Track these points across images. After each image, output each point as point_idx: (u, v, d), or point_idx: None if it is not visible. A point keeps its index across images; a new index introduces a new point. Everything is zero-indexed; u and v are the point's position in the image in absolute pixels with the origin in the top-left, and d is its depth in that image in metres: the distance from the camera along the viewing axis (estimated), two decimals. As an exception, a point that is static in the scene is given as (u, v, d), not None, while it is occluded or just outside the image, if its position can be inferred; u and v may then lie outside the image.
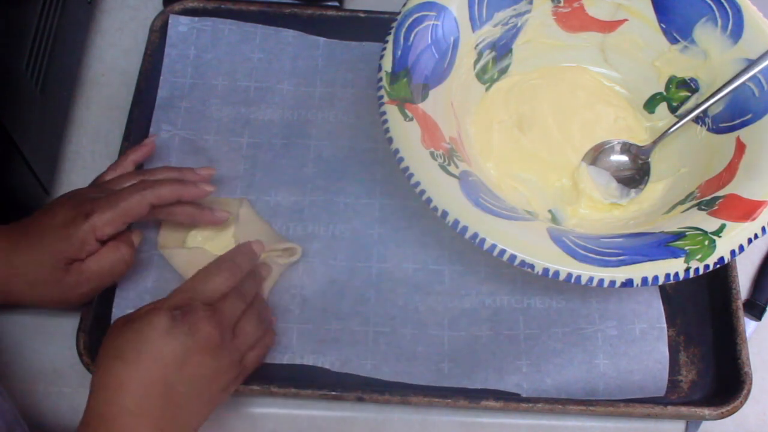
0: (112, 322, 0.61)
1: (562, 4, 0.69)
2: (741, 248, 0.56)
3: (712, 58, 0.66)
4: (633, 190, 0.67)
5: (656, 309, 0.63)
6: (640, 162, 0.67)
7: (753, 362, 0.61)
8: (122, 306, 0.62)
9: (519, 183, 0.67)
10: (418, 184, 0.56)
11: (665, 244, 0.56)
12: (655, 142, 0.67)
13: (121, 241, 0.58)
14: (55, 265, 0.56)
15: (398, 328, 0.62)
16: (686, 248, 0.55)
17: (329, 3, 0.77)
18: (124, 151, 0.67)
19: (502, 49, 0.70)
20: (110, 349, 0.51)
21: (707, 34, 0.66)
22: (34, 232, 0.56)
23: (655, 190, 0.66)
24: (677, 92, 0.69)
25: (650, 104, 0.70)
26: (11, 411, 0.53)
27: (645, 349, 0.61)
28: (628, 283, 0.54)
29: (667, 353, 0.61)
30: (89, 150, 0.71)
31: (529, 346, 0.62)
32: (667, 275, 0.54)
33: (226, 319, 0.54)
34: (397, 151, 0.58)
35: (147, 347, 0.50)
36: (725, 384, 0.61)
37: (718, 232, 0.56)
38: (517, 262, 0.54)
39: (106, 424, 0.48)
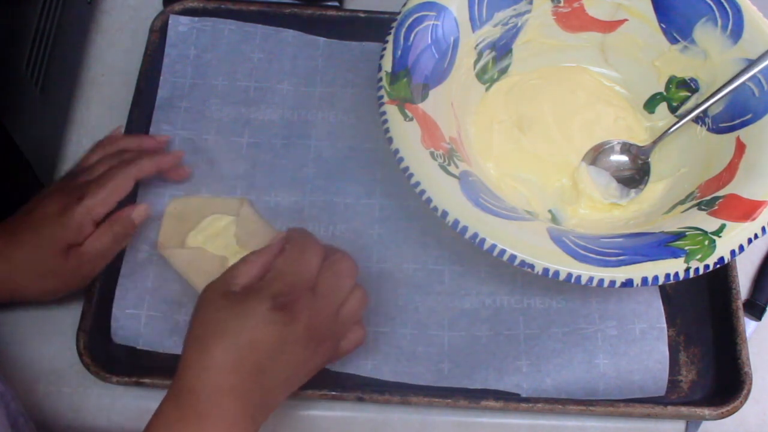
0: (112, 321, 0.61)
1: (562, 4, 0.69)
2: (741, 248, 0.56)
3: (712, 58, 0.66)
4: (633, 190, 0.67)
5: (656, 309, 0.63)
6: (640, 162, 0.67)
7: (753, 362, 0.61)
8: (122, 306, 0.61)
9: (519, 183, 0.67)
10: (418, 184, 0.56)
11: (665, 244, 0.56)
12: (655, 142, 0.67)
13: (113, 220, 0.59)
14: (54, 253, 0.57)
15: (398, 328, 0.62)
16: (686, 248, 0.55)
17: (329, 3, 0.77)
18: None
19: (502, 49, 0.70)
20: (208, 325, 0.50)
21: (707, 34, 0.66)
22: (30, 225, 0.57)
23: (655, 190, 0.66)
24: (677, 92, 0.69)
25: (650, 104, 0.70)
26: (14, 400, 0.53)
27: (645, 349, 0.61)
28: (628, 283, 0.54)
29: (667, 353, 0.61)
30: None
31: (529, 346, 0.62)
32: (667, 275, 0.54)
33: (330, 304, 0.53)
34: (397, 151, 0.58)
35: (247, 332, 0.49)
36: (725, 384, 0.61)
37: (718, 232, 0.56)
38: (517, 262, 0.54)
39: (198, 399, 0.48)
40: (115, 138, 0.66)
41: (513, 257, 0.54)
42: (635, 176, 0.67)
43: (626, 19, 0.69)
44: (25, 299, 0.60)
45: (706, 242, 0.56)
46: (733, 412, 0.60)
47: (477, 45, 0.67)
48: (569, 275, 0.54)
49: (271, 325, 0.50)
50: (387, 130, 0.59)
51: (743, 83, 0.63)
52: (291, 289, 0.51)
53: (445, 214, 0.55)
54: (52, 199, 0.58)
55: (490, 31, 0.67)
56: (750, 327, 0.66)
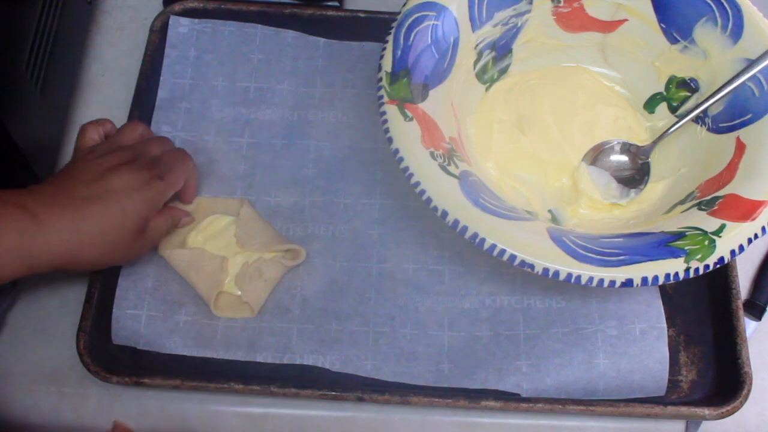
0: (112, 322, 0.61)
1: (562, 4, 0.69)
2: (741, 248, 0.56)
3: (712, 58, 0.66)
4: (633, 190, 0.67)
5: (656, 309, 0.63)
6: (640, 162, 0.67)
7: (753, 362, 0.61)
8: (122, 306, 0.62)
9: (519, 183, 0.67)
10: (418, 184, 0.56)
11: (665, 244, 0.56)
12: (655, 142, 0.67)
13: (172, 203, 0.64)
14: (139, 225, 0.58)
15: (398, 329, 0.62)
16: (686, 248, 0.55)
17: (329, 3, 0.77)
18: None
19: (502, 49, 0.70)
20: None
21: (707, 34, 0.66)
22: (110, 196, 0.57)
23: (655, 190, 0.66)
24: (677, 92, 0.69)
25: (650, 104, 0.70)
26: None
27: (645, 349, 0.61)
28: (628, 283, 0.54)
29: (667, 353, 0.61)
30: (89, 150, 0.71)
31: (529, 346, 0.62)
32: (667, 275, 0.54)
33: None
34: (397, 151, 0.58)
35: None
36: (725, 384, 0.61)
37: (718, 232, 0.56)
38: (517, 262, 0.54)
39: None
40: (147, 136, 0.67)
41: (513, 257, 0.54)
42: (635, 176, 0.67)
43: (626, 19, 0.69)
44: (82, 268, 0.60)
45: (706, 242, 0.56)
46: (733, 412, 0.60)
47: (477, 45, 0.67)
48: (569, 275, 0.54)
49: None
50: (387, 130, 0.59)
51: (743, 83, 0.63)
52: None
53: (445, 214, 0.55)
54: (127, 172, 0.58)
55: (490, 31, 0.67)
56: (750, 327, 0.66)
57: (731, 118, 0.64)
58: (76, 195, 0.56)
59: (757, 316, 0.67)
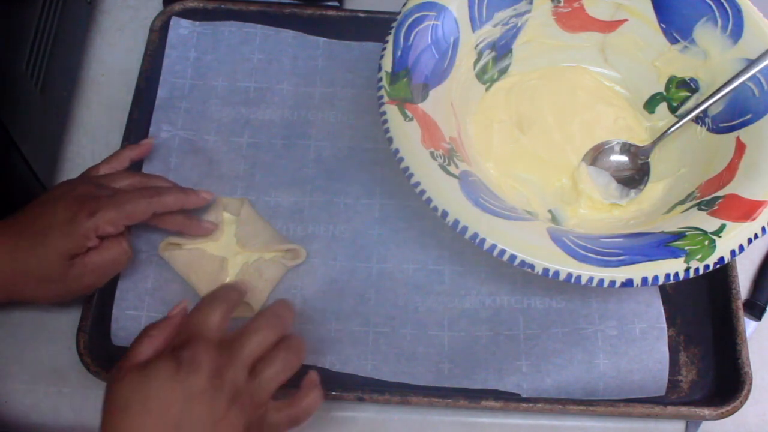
0: (112, 322, 0.61)
1: (562, 4, 0.69)
2: (741, 248, 0.56)
3: (712, 58, 0.66)
4: (633, 191, 0.67)
5: (656, 309, 0.63)
6: (640, 162, 0.67)
7: (753, 362, 0.61)
8: (122, 306, 0.62)
9: (519, 183, 0.67)
10: (418, 184, 0.56)
11: (665, 244, 0.56)
12: (654, 142, 0.67)
13: (123, 234, 0.58)
14: (60, 261, 0.56)
15: (398, 329, 0.62)
16: (686, 248, 0.55)
17: (329, 3, 0.77)
18: (123, 150, 0.67)
19: (502, 49, 0.70)
20: (117, 400, 0.48)
21: (707, 34, 0.66)
22: (38, 230, 0.56)
23: (655, 190, 0.66)
24: (677, 92, 0.69)
25: (650, 104, 0.70)
26: None
27: (645, 349, 0.61)
28: (628, 283, 0.54)
29: (667, 353, 0.61)
30: (89, 150, 0.71)
31: (529, 346, 0.62)
32: (667, 275, 0.54)
33: (237, 352, 0.50)
34: (397, 151, 0.58)
35: (153, 398, 0.47)
36: (725, 384, 0.61)
37: (718, 232, 0.56)
38: (517, 262, 0.54)
39: None
40: (157, 177, 0.64)
41: (513, 257, 0.54)
42: (635, 176, 0.67)
43: (626, 19, 0.69)
44: (26, 301, 0.60)
45: (706, 242, 0.56)
46: (733, 412, 0.60)
47: (477, 45, 0.67)
48: (569, 275, 0.54)
49: (175, 382, 0.48)
50: (387, 130, 0.59)
51: (743, 83, 0.63)
52: (189, 341, 0.49)
53: (445, 214, 0.55)
54: (64, 204, 0.57)
55: (490, 31, 0.67)
56: (750, 327, 0.66)
57: (731, 118, 0.64)
58: (15, 230, 0.57)
59: (757, 316, 0.67)
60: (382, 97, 0.60)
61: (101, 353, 0.60)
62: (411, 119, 0.59)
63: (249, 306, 0.62)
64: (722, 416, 0.60)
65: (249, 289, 0.57)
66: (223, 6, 0.75)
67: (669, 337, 0.62)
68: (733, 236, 0.56)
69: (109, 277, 0.60)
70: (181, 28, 0.73)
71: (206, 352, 0.49)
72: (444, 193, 0.56)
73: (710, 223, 0.57)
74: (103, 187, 0.59)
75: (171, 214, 0.61)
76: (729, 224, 0.57)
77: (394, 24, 0.63)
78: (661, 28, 0.68)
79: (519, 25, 0.69)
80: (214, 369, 0.48)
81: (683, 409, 0.60)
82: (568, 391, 0.60)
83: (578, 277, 0.54)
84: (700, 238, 0.56)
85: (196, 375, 0.48)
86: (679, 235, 0.56)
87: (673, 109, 0.69)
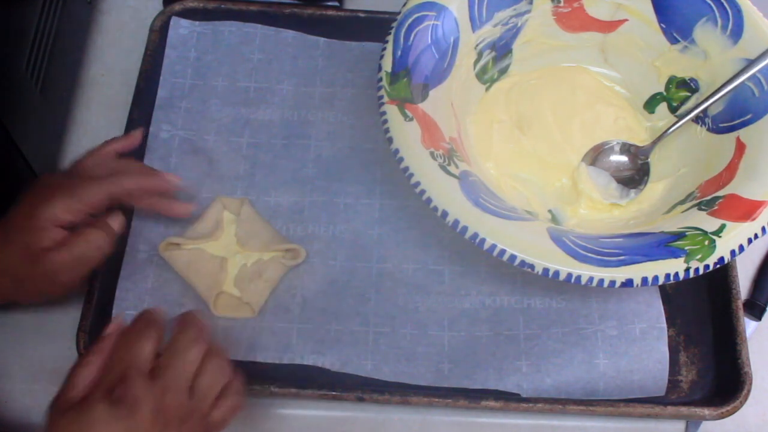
0: (112, 316, 0.61)
1: (562, 4, 0.69)
2: (741, 248, 0.56)
3: (712, 58, 0.66)
4: (633, 191, 0.67)
5: (656, 309, 0.63)
6: (640, 162, 0.67)
7: (753, 362, 0.61)
8: (122, 306, 0.62)
9: (519, 183, 0.67)
10: (418, 184, 0.56)
11: (665, 244, 0.56)
12: (654, 142, 0.67)
13: (93, 226, 0.56)
14: (23, 258, 0.54)
15: (398, 329, 0.62)
16: (686, 248, 0.55)
17: (329, 3, 0.77)
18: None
19: (502, 49, 0.70)
20: None
21: (707, 34, 0.66)
22: (3, 228, 0.55)
23: (655, 190, 0.66)
24: (677, 92, 0.69)
25: (650, 104, 0.70)
26: None
27: (645, 349, 0.61)
28: (628, 283, 0.54)
29: (667, 353, 0.61)
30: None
31: (529, 346, 0.62)
32: (667, 275, 0.54)
33: (172, 378, 0.49)
34: (397, 151, 0.58)
35: None
36: (725, 384, 0.61)
37: (718, 232, 0.56)
38: (517, 262, 0.54)
39: None
40: (133, 162, 0.63)
41: (513, 257, 0.54)
42: (635, 176, 0.67)
43: (626, 19, 0.69)
44: (14, 302, 0.59)
45: (706, 242, 0.56)
46: (733, 412, 0.60)
47: (477, 45, 0.67)
48: (569, 275, 0.54)
49: (113, 423, 0.46)
50: (387, 130, 0.59)
51: (743, 83, 0.63)
52: (124, 379, 0.47)
53: (445, 214, 0.55)
54: (24, 199, 0.55)
55: (490, 31, 0.67)
56: (750, 327, 0.66)
57: (731, 118, 0.64)
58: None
59: (757, 316, 0.67)
60: (382, 97, 0.60)
61: (101, 353, 0.60)
62: (411, 119, 0.59)
63: (249, 306, 0.62)
64: (722, 416, 0.60)
65: (164, 320, 0.53)
66: (223, 6, 0.75)
67: (669, 337, 0.62)
68: (733, 236, 0.56)
69: (87, 272, 0.57)
70: (181, 28, 0.74)
71: (144, 388, 0.47)
72: (444, 193, 0.56)
73: (710, 223, 0.57)
74: (75, 177, 0.58)
75: (147, 195, 0.60)
76: (729, 224, 0.57)
77: (394, 24, 0.63)
78: (661, 28, 0.68)
79: (519, 25, 0.69)
80: (155, 404, 0.47)
81: (683, 409, 0.60)
82: (568, 391, 0.60)
83: (578, 277, 0.54)
84: (700, 238, 0.56)
85: (139, 413, 0.46)
86: (679, 235, 0.57)
87: (673, 109, 0.69)
